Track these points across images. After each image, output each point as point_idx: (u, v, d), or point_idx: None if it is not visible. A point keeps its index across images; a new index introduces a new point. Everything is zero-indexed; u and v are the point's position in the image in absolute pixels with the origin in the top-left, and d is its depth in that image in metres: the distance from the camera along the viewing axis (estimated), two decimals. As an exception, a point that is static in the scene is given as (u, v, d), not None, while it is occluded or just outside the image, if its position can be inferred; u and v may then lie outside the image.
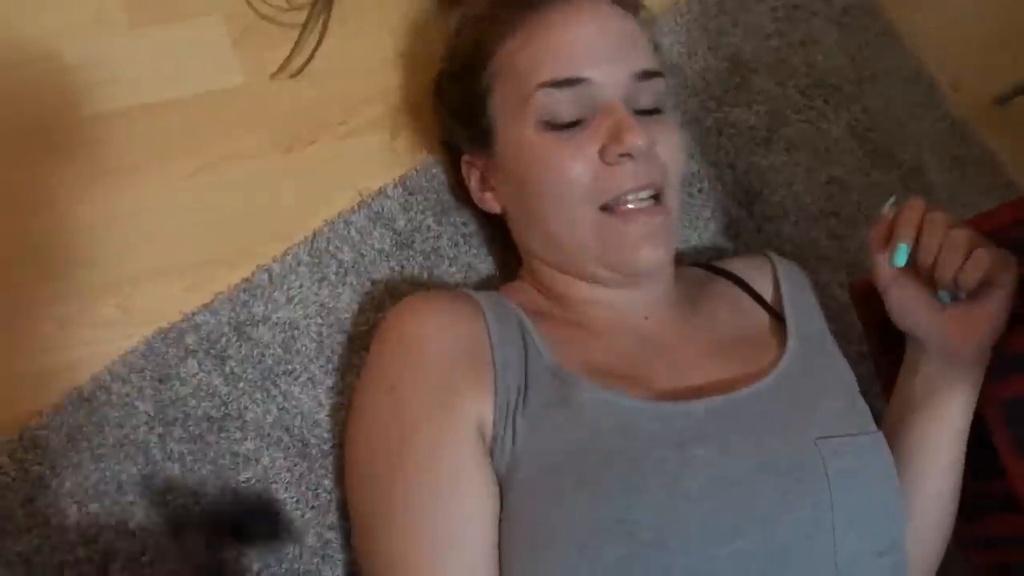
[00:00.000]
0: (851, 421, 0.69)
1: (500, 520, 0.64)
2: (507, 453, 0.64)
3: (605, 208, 0.70)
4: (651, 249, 0.70)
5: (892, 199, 0.72)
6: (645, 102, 0.71)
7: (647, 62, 0.72)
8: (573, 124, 0.70)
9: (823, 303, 0.83)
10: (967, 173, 1.06)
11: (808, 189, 0.99)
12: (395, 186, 0.81)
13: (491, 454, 0.64)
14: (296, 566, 0.70)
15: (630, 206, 0.70)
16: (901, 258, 0.69)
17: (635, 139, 0.67)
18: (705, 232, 0.94)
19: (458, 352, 0.67)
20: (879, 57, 1.08)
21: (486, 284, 0.83)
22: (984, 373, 0.72)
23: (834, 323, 0.82)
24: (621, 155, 0.68)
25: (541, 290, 0.77)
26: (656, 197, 0.71)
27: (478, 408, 0.65)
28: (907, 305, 0.72)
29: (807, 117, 1.02)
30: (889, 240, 0.70)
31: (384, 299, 0.78)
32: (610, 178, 0.69)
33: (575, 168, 0.69)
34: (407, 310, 0.70)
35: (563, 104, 0.69)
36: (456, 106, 0.77)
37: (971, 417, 0.72)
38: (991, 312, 0.68)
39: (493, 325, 0.68)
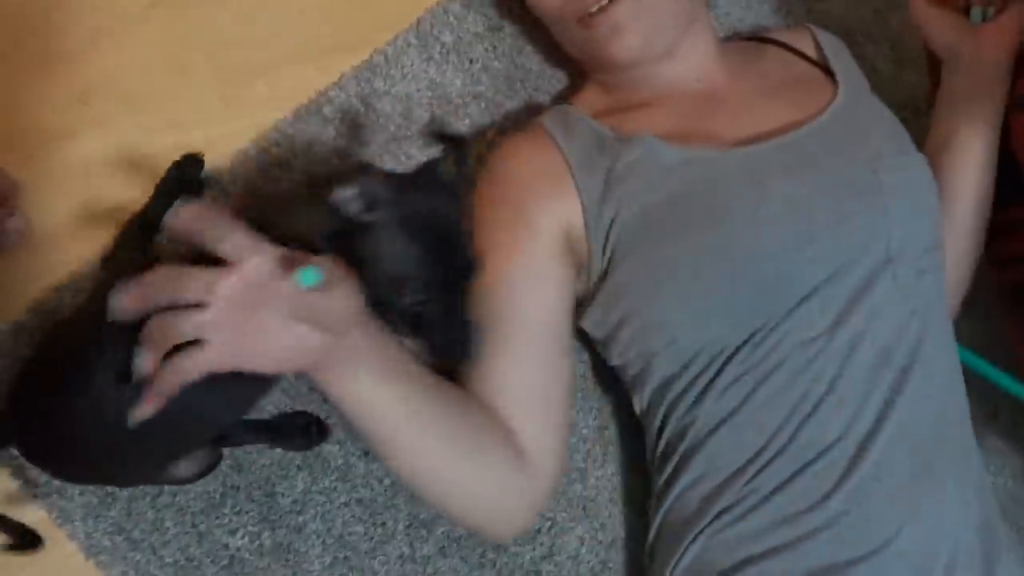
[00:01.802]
0: (899, 144, 0.81)
1: (613, 290, 0.77)
2: (611, 232, 0.76)
3: (581, 21, 0.81)
4: (619, 42, 0.80)
5: None
6: None
7: None
8: None
9: (868, 76, 0.92)
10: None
11: (855, -30, 1.07)
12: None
13: (589, 246, 0.78)
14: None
15: (592, 10, 0.80)
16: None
17: None
18: (760, 12, 1.04)
19: (530, 178, 0.80)
20: None
21: (568, 63, 0.94)
22: (1008, 83, 0.84)
23: (877, 94, 0.90)
24: None
25: (599, 85, 0.88)
26: None
27: (558, 215, 0.78)
28: (944, 30, 0.84)
29: (857, -98, 1.08)
30: None
31: (480, 75, 0.91)
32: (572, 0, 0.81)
33: None
34: (492, 159, 0.84)
35: None
36: None
37: (1000, 124, 0.85)
38: (1015, 24, 0.81)
39: (566, 144, 0.80)
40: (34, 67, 0.78)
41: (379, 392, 0.65)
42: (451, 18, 0.91)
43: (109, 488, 0.74)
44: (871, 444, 0.70)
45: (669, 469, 0.76)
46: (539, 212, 0.78)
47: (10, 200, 0.74)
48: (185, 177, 0.77)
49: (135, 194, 0.78)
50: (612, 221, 0.77)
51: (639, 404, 0.81)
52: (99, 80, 0.80)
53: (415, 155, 0.88)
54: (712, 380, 0.74)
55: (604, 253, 0.78)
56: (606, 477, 0.89)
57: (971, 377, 0.92)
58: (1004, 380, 0.91)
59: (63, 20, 0.79)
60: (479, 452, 0.70)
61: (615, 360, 0.81)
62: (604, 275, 0.78)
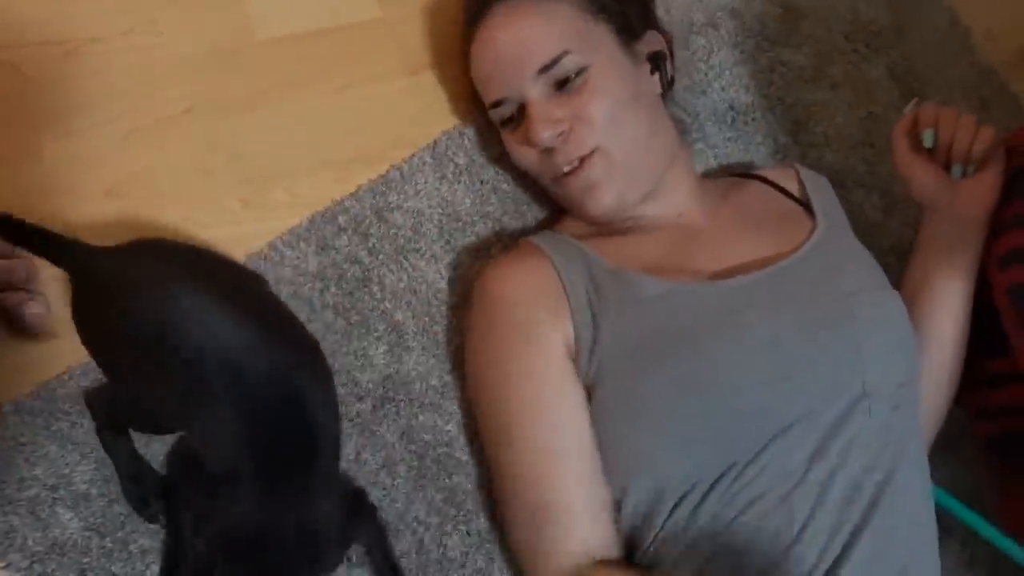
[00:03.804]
0: (874, 280, 0.85)
1: (593, 410, 0.79)
2: (594, 354, 0.79)
3: (556, 180, 0.87)
4: (594, 199, 0.85)
5: (915, 100, 0.90)
6: (560, 80, 0.84)
7: (544, 55, 0.83)
8: (512, 119, 0.88)
9: (856, 221, 0.98)
10: (992, 113, 1.20)
11: (848, 122, 1.14)
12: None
13: (579, 363, 0.80)
14: (424, 400, 0.88)
15: (565, 171, 0.85)
16: (929, 140, 0.88)
17: (539, 137, 0.83)
18: (756, 155, 1.10)
19: (533, 296, 0.82)
20: (918, 7, 1.21)
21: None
22: (985, 237, 0.89)
23: (865, 239, 0.95)
24: (543, 148, 0.85)
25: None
26: (593, 151, 0.84)
27: (561, 332, 0.81)
28: (927, 183, 0.89)
29: (850, 59, 1.16)
30: (913, 130, 0.88)
31: (490, 195, 0.96)
32: (546, 161, 0.87)
33: (523, 156, 0.89)
34: (488, 277, 0.86)
35: (501, 112, 0.88)
36: None
37: (975, 274, 0.89)
38: (993, 183, 0.86)
39: (559, 263, 0.84)
40: (67, 161, 0.82)
41: None
42: (466, 141, 0.96)
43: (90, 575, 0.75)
44: (838, 571, 0.71)
45: None
46: (548, 331, 0.81)
47: (30, 284, 0.77)
48: None
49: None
50: (594, 345, 0.79)
51: (621, 530, 0.81)
52: (127, 177, 0.84)
53: (422, 267, 0.91)
54: (690, 515, 0.75)
55: (588, 376, 0.80)
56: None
57: (952, 522, 0.94)
58: (982, 527, 0.92)
59: (98, 120, 0.84)
60: None
61: None
62: (591, 385, 0.80)
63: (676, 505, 0.76)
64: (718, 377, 0.75)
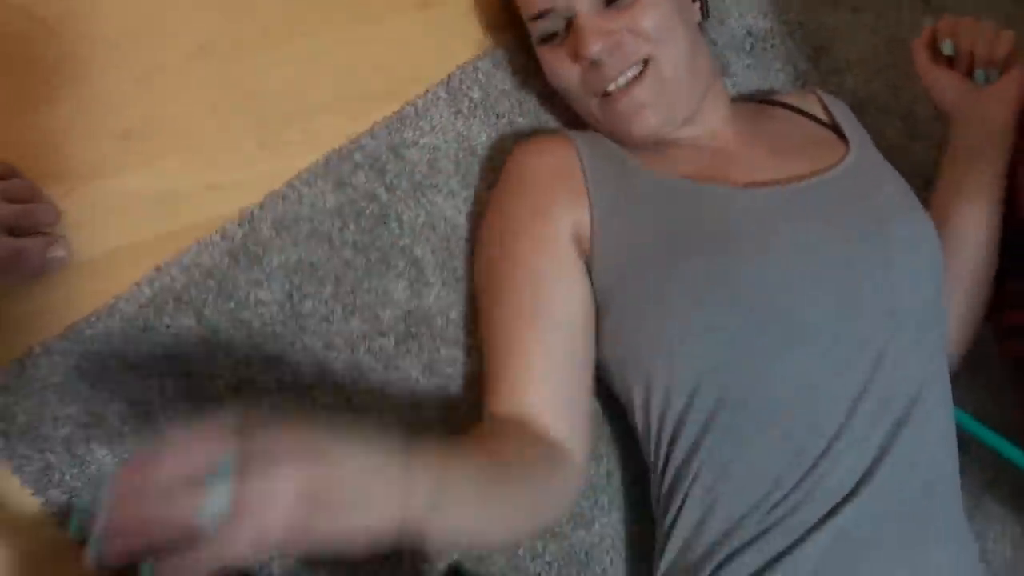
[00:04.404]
0: (906, 201, 0.85)
1: (619, 304, 0.80)
2: (617, 244, 0.80)
3: (602, 94, 0.85)
4: (640, 120, 0.84)
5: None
6: None
7: None
8: (556, 35, 0.85)
9: (879, 146, 0.96)
10: (1017, 28, 1.16)
11: (870, 45, 1.12)
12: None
13: (590, 252, 0.81)
14: (445, 334, 0.89)
15: (611, 89, 0.84)
16: (948, 48, 0.90)
17: (589, 50, 0.81)
18: (776, 82, 1.08)
19: (550, 178, 0.83)
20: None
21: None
22: (1012, 143, 0.89)
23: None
24: (590, 62, 0.83)
25: None
26: (646, 63, 0.83)
27: (573, 217, 0.82)
28: (951, 91, 0.90)
29: (872, -21, 1.13)
30: (932, 43, 0.90)
31: (505, 129, 0.96)
32: (591, 77, 0.85)
33: (564, 74, 0.86)
34: (514, 153, 0.88)
35: (544, 26, 0.85)
36: None
37: (1004, 184, 0.89)
38: (1018, 84, 0.87)
39: (585, 152, 0.85)
40: (82, 105, 0.82)
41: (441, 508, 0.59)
42: (480, 75, 0.95)
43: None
44: (862, 489, 0.72)
45: (672, 513, 0.77)
46: (559, 212, 0.82)
47: (52, 227, 0.78)
48: None
49: (173, 228, 0.81)
50: (620, 239, 0.80)
51: (644, 443, 0.82)
52: (142, 121, 0.84)
53: (439, 203, 0.91)
54: (710, 422, 0.75)
55: (609, 270, 0.80)
56: (610, 524, 0.90)
57: (973, 444, 0.94)
58: (1006, 447, 0.92)
59: (112, 61, 0.84)
60: (533, 490, 0.72)
61: (616, 385, 0.83)
62: (608, 290, 0.81)
63: (699, 411, 0.75)
64: (745, 272, 0.75)
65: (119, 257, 0.81)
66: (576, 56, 0.84)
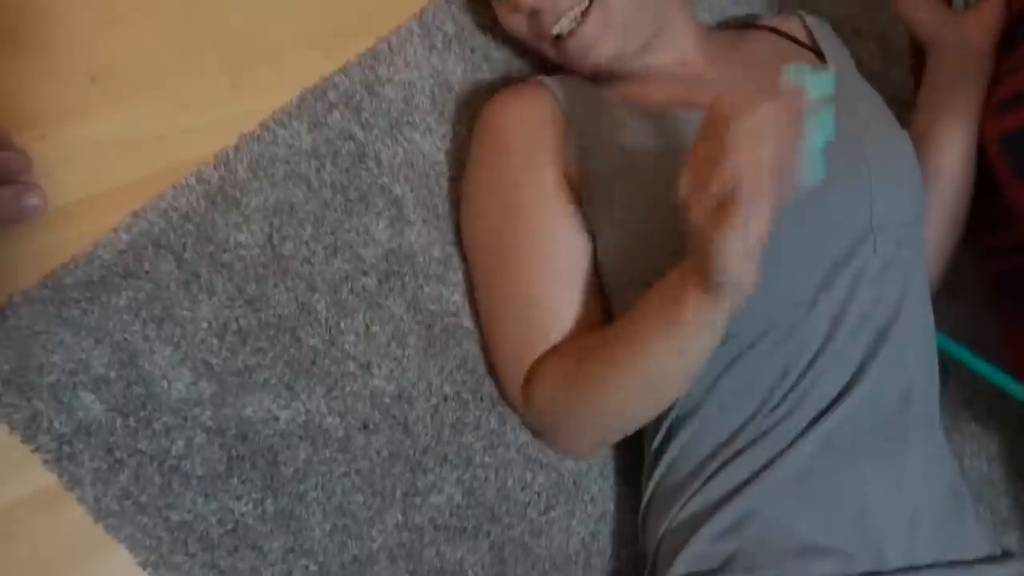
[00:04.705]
0: (885, 119, 0.85)
1: (609, 234, 0.80)
2: (600, 180, 0.80)
3: (552, 39, 0.85)
4: (594, 55, 0.84)
5: None
6: None
7: None
8: None
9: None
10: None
11: (847, -30, 1.10)
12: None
13: (580, 190, 0.81)
14: (428, 272, 0.89)
15: (558, 32, 0.83)
16: None
17: (522, 1, 0.81)
18: (751, 5, 1.07)
19: (533, 126, 0.83)
20: None
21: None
22: (990, 71, 0.89)
23: None
24: (530, 11, 0.82)
25: None
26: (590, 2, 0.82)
27: (561, 160, 0.81)
28: (929, 19, 0.89)
29: (848, -100, 1.11)
30: None
31: (481, 63, 0.94)
32: (535, 25, 0.85)
33: (514, 26, 0.87)
34: (490, 108, 0.86)
35: None
36: None
37: (982, 106, 0.88)
38: (996, 9, 0.86)
39: (560, 96, 0.84)
40: (47, 48, 0.81)
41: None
42: (453, 9, 0.94)
43: (117, 454, 0.77)
44: (843, 399, 0.73)
45: (661, 434, 0.79)
46: (547, 158, 0.82)
47: (25, 175, 0.77)
48: None
49: (147, 172, 0.80)
50: (605, 173, 0.80)
51: None
52: (111, 62, 0.82)
53: (417, 140, 0.90)
54: None
55: (599, 207, 0.81)
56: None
57: (952, 365, 0.96)
58: (982, 366, 0.94)
59: (77, 3, 0.81)
60: None
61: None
62: (598, 222, 0.81)
63: None
64: None
65: (95, 203, 0.80)
66: (515, 7, 0.83)
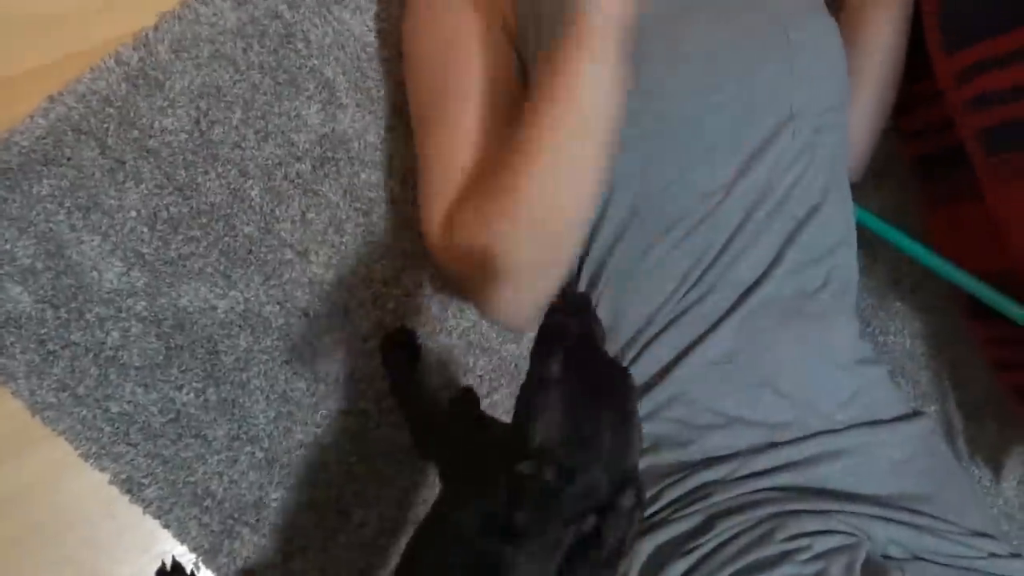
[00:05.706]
0: (811, 4, 0.84)
1: None
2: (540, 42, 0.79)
3: None
4: None
5: None
6: None
7: None
8: None
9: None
10: None
11: None
12: None
13: (522, 32, 0.80)
14: (364, 157, 0.88)
15: None
16: None
17: None
18: None
19: None
20: None
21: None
22: None
23: None
24: None
25: None
26: None
27: (500, 11, 0.80)
28: None
29: None
30: None
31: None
32: None
33: None
34: None
35: None
36: None
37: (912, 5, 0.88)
38: None
39: None
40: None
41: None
42: None
43: (50, 346, 0.76)
44: (764, 280, 0.75)
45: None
46: (493, 6, 0.80)
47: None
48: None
49: (61, 55, 0.76)
50: (536, 44, 0.79)
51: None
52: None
53: (347, 20, 0.87)
54: (622, 230, 0.77)
55: (524, 45, 0.80)
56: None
57: (878, 245, 0.99)
58: (907, 244, 0.97)
59: None
60: None
61: None
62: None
63: (612, 220, 0.77)
64: (651, 81, 0.74)
65: (8, 88, 0.76)
66: None
